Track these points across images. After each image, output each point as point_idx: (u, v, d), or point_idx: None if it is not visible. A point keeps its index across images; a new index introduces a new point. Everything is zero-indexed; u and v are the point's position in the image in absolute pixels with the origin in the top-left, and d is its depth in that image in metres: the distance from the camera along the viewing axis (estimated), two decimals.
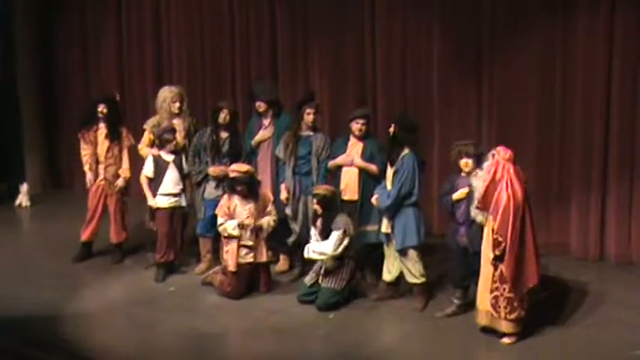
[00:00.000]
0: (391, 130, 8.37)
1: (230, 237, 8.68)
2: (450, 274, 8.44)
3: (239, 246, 8.72)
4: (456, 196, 8.02)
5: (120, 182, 9.60)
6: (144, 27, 12.23)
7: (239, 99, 11.53)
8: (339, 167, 8.91)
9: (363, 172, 8.80)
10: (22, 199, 12.29)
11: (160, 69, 12.21)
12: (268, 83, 10.59)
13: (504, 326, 7.57)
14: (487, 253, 7.52)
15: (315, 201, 8.54)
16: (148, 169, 9.18)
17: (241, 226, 8.66)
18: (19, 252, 10.35)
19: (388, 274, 8.56)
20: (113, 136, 9.55)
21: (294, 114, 9.23)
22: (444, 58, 10.27)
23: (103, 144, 9.58)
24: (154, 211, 9.25)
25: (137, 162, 9.67)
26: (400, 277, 8.52)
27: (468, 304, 8.10)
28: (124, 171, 9.59)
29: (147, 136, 9.49)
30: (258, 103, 9.42)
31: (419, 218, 8.30)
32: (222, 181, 9.09)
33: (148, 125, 9.53)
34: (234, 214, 8.71)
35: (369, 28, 10.65)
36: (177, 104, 9.44)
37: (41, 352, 7.71)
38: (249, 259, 8.76)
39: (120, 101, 10.04)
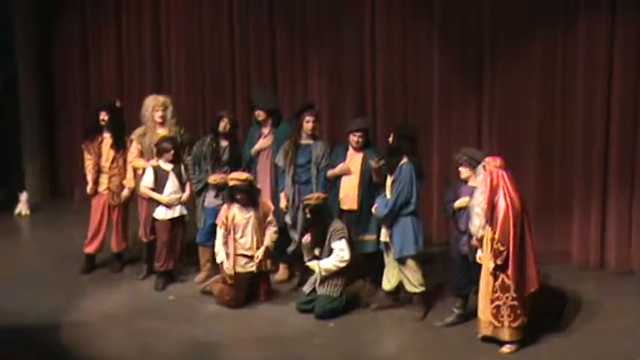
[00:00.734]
0: (390, 139, 8.39)
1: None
2: (450, 283, 8.43)
3: (237, 255, 8.71)
4: (457, 204, 8.01)
5: (125, 193, 9.59)
6: (143, 35, 12.23)
7: (238, 107, 11.53)
8: (339, 176, 8.92)
9: (362, 182, 8.80)
10: (22, 207, 12.27)
11: (159, 77, 12.20)
12: (268, 92, 10.60)
13: (508, 334, 7.55)
14: (487, 263, 7.52)
15: (306, 210, 8.54)
16: (147, 180, 9.16)
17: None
18: (18, 261, 10.32)
19: (387, 283, 8.55)
20: (118, 146, 9.54)
21: (294, 122, 9.24)
22: (445, 66, 10.27)
23: (107, 154, 9.56)
24: (153, 220, 9.24)
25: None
26: (399, 286, 8.51)
27: (468, 314, 8.09)
28: (129, 181, 9.57)
29: (135, 147, 9.47)
30: (257, 112, 9.43)
31: (417, 227, 8.30)
32: (222, 189, 9.08)
33: (135, 135, 9.50)
34: (233, 224, 8.70)
35: (369, 36, 10.65)
36: (160, 113, 9.40)
37: None
38: (249, 268, 8.75)
39: (121, 108, 10.03)
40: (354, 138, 8.82)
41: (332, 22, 10.87)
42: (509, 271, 7.39)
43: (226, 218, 8.72)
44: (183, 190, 9.26)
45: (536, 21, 9.68)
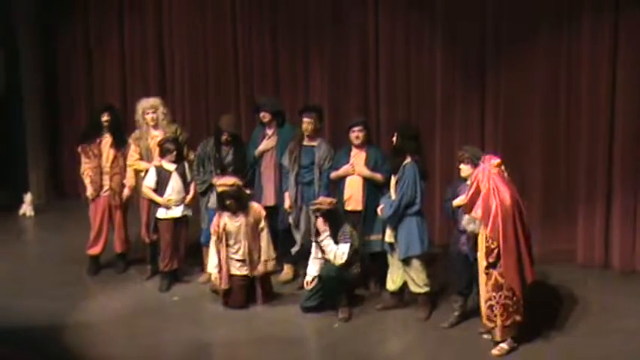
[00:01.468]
0: (393, 139, 8.38)
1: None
2: (451, 283, 8.41)
3: (229, 259, 8.70)
4: (456, 202, 8.02)
5: (126, 192, 9.60)
6: (146, 36, 12.24)
7: (242, 107, 11.55)
8: (342, 178, 8.91)
9: (367, 182, 8.80)
10: (26, 208, 12.29)
11: (162, 77, 12.21)
12: (272, 96, 10.62)
13: (499, 333, 7.54)
14: (482, 262, 7.52)
15: (318, 215, 8.51)
16: (149, 180, 9.17)
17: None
18: (22, 262, 10.35)
19: (392, 283, 8.55)
20: (119, 145, 9.55)
21: (298, 124, 9.24)
22: (448, 64, 10.26)
23: (108, 154, 9.57)
24: (156, 220, 9.25)
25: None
26: (404, 286, 8.51)
27: (469, 313, 8.08)
28: (129, 180, 9.59)
29: (134, 150, 9.48)
30: (262, 114, 9.44)
31: (422, 227, 8.30)
32: None
33: (132, 138, 9.53)
34: (224, 232, 8.68)
35: (372, 35, 10.65)
36: (151, 115, 9.42)
37: None
38: (244, 271, 8.74)
39: (119, 110, 10.04)
40: (353, 134, 8.82)
41: (334, 22, 10.87)
42: (503, 268, 7.38)
43: (217, 226, 8.71)
44: (187, 190, 9.26)
45: (540, 17, 9.67)
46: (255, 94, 11.10)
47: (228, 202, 8.64)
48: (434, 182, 10.08)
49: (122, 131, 9.66)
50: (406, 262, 8.31)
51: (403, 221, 8.25)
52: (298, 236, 9.15)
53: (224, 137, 9.20)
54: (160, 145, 9.18)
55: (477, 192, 7.44)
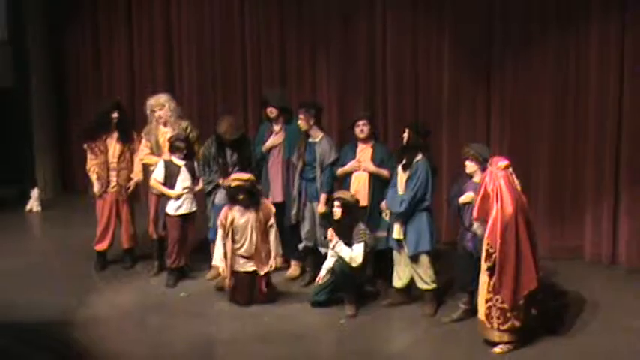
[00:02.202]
0: (405, 135, 8.38)
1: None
2: (457, 279, 8.41)
3: (234, 255, 8.71)
4: (462, 199, 8.03)
5: (131, 184, 9.62)
6: (154, 33, 12.26)
7: (249, 104, 11.56)
8: (349, 174, 8.92)
9: (372, 178, 8.82)
10: (33, 204, 12.31)
11: (170, 74, 12.23)
12: (280, 90, 10.60)
13: (497, 336, 7.54)
14: (483, 263, 7.52)
15: (337, 204, 8.49)
16: (158, 174, 9.18)
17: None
18: (29, 257, 10.33)
19: (399, 280, 8.56)
20: (125, 140, 9.57)
21: None
22: (455, 64, 10.27)
23: (114, 149, 9.58)
24: (164, 217, 9.26)
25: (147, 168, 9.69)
26: (411, 283, 8.52)
27: (475, 309, 8.06)
28: (137, 174, 9.60)
29: (145, 144, 9.51)
30: (269, 109, 9.43)
31: (431, 223, 8.33)
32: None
33: (143, 133, 9.56)
34: (232, 227, 8.68)
35: (380, 33, 10.65)
36: (158, 113, 9.43)
37: (53, 357, 7.74)
38: (248, 268, 8.74)
39: (128, 106, 10.05)
40: (358, 128, 8.84)
41: (342, 20, 10.87)
42: (496, 275, 7.38)
43: (225, 219, 8.71)
44: (194, 186, 9.27)
45: (547, 18, 9.67)
46: (263, 91, 11.08)
47: (241, 197, 8.63)
48: (440, 180, 10.04)
49: (129, 127, 9.66)
50: (415, 258, 8.32)
51: (413, 217, 8.27)
52: (303, 233, 9.16)
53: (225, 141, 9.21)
54: (170, 142, 9.19)
55: (485, 196, 7.43)
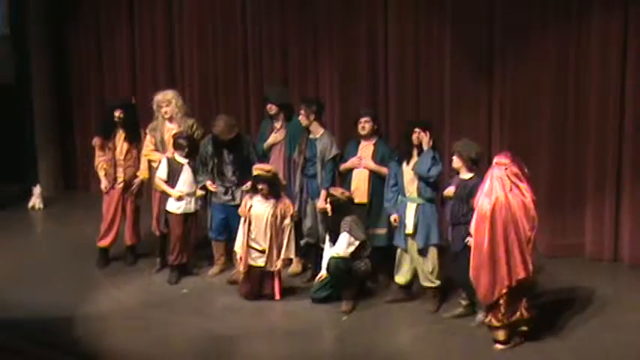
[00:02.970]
0: (420, 135, 8.35)
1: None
2: (454, 276, 8.36)
3: (249, 248, 8.73)
4: (445, 193, 8.13)
5: (136, 181, 9.63)
6: (156, 33, 12.24)
7: (251, 104, 11.56)
8: (350, 170, 8.94)
9: (373, 175, 8.84)
10: (35, 201, 12.31)
11: (172, 74, 12.21)
12: (280, 87, 10.60)
13: (492, 332, 7.56)
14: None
15: (328, 200, 8.55)
16: (161, 171, 9.20)
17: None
18: (32, 254, 10.36)
19: (401, 277, 8.57)
20: (131, 138, 9.58)
21: None
22: (456, 62, 10.26)
23: (122, 147, 9.59)
24: (166, 214, 9.28)
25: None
26: (413, 280, 8.53)
27: (475, 304, 8.09)
28: (142, 171, 9.62)
29: (150, 140, 9.52)
30: (269, 106, 9.46)
31: (438, 218, 8.36)
32: (231, 187, 9.15)
33: (149, 129, 9.57)
34: (250, 215, 8.71)
35: (381, 32, 10.65)
36: (164, 109, 9.44)
37: (55, 354, 7.77)
38: (260, 263, 8.77)
39: (137, 105, 10.05)
40: (360, 125, 8.87)
41: (344, 19, 10.86)
42: (472, 271, 7.42)
43: (245, 207, 8.73)
44: (197, 184, 9.28)
45: (549, 16, 9.66)
46: (265, 89, 11.08)
47: (260, 187, 8.65)
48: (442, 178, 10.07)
49: (136, 126, 9.66)
50: (424, 251, 8.34)
51: (424, 210, 8.29)
52: (305, 229, 9.18)
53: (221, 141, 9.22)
54: (174, 139, 9.21)
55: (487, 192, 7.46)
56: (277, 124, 9.49)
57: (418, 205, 8.34)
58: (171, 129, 9.43)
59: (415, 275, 8.50)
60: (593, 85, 9.52)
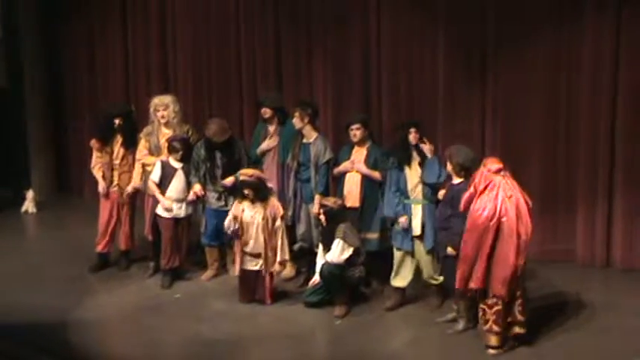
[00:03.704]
0: (416, 136, 8.43)
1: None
2: (445, 280, 8.35)
3: (243, 253, 8.73)
4: (438, 195, 8.19)
5: (129, 188, 9.61)
6: (150, 36, 12.23)
7: (245, 107, 11.55)
8: (343, 174, 8.95)
9: (365, 179, 8.85)
10: (28, 205, 12.30)
11: (166, 77, 12.20)
12: (275, 91, 10.62)
13: (486, 338, 7.56)
14: None
15: (321, 211, 8.57)
16: (155, 175, 9.20)
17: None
18: (25, 259, 10.34)
19: (402, 279, 8.58)
20: (128, 145, 9.57)
21: None
22: (449, 63, 10.25)
23: (118, 151, 9.59)
24: (157, 217, 9.27)
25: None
26: (410, 282, 8.56)
27: (459, 311, 8.08)
28: (136, 177, 9.59)
29: (144, 145, 9.51)
30: (263, 109, 9.48)
31: None
32: (225, 192, 9.14)
33: (143, 134, 9.55)
34: (242, 222, 8.71)
35: (374, 33, 10.64)
36: (161, 113, 9.43)
37: (49, 359, 7.74)
38: (253, 267, 8.75)
39: (136, 113, 10.04)
40: (351, 132, 8.88)
41: (337, 20, 10.86)
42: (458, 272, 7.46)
43: (236, 211, 8.72)
44: (189, 190, 9.26)
45: (541, 17, 9.67)
46: (258, 93, 11.09)
47: (246, 192, 8.65)
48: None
49: (134, 133, 9.64)
50: (432, 251, 8.36)
51: (429, 211, 8.32)
52: (299, 234, 9.18)
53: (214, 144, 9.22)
54: (169, 142, 9.21)
55: (473, 194, 7.47)
56: (271, 128, 9.50)
57: (424, 205, 8.37)
58: (166, 134, 9.43)
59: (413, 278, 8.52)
60: (585, 87, 9.53)
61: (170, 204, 9.15)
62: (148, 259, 9.70)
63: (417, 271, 8.54)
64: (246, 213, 8.71)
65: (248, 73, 11.56)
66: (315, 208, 8.90)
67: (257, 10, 11.39)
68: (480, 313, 7.54)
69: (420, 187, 8.39)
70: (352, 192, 8.87)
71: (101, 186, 9.65)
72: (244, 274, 8.76)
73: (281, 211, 8.79)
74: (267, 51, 11.37)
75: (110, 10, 12.51)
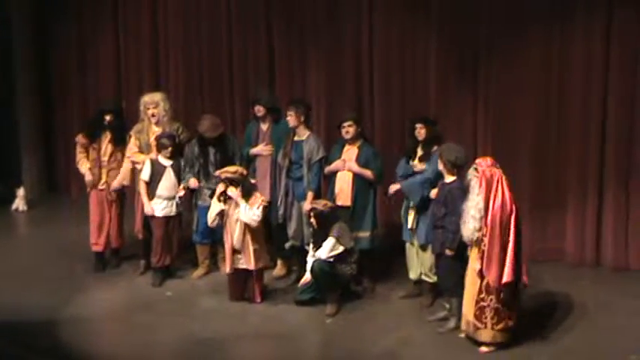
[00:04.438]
0: (423, 130, 8.44)
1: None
2: (439, 280, 8.34)
3: (234, 251, 8.72)
4: (431, 194, 8.20)
5: (114, 183, 9.56)
6: (141, 34, 12.23)
7: (236, 106, 11.55)
8: (335, 172, 8.95)
9: (356, 178, 8.85)
10: (19, 203, 12.29)
11: (157, 76, 12.19)
12: (269, 90, 10.63)
13: (490, 336, 7.54)
14: (474, 263, 7.54)
15: (311, 214, 8.58)
16: (145, 173, 9.19)
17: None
18: (15, 256, 10.33)
19: (413, 272, 8.67)
20: (117, 142, 9.54)
21: None
22: (441, 63, 10.28)
23: (106, 148, 9.56)
24: (148, 216, 9.26)
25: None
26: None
27: (452, 309, 8.09)
28: (123, 173, 9.53)
29: (133, 142, 9.49)
30: (257, 107, 9.46)
31: None
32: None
33: (134, 131, 9.53)
34: (227, 219, 8.70)
35: (367, 33, 10.66)
36: (151, 111, 9.41)
37: (40, 357, 7.72)
38: (241, 264, 8.76)
39: (127, 109, 10.02)
40: (343, 129, 8.89)
41: (330, 19, 10.87)
42: (484, 265, 7.40)
43: (222, 192, 8.67)
44: (179, 188, 9.25)
45: (532, 18, 9.70)
46: (250, 92, 11.08)
47: (228, 188, 8.65)
48: None
49: (124, 131, 9.61)
50: (425, 248, 8.38)
51: (424, 208, 8.32)
52: (290, 231, 9.18)
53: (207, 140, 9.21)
54: (157, 139, 9.19)
55: (489, 195, 7.46)
56: (264, 127, 9.49)
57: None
58: (157, 132, 9.41)
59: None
60: (576, 86, 9.56)
61: (153, 211, 9.13)
62: (138, 257, 9.68)
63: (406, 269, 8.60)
64: (231, 210, 8.68)
65: (240, 72, 11.56)
66: (306, 205, 8.89)
67: (249, 9, 11.40)
68: (476, 312, 7.53)
69: None
70: (343, 190, 8.87)
71: (87, 177, 9.56)
72: (234, 272, 8.74)
73: (259, 200, 8.68)
74: (259, 49, 11.38)
75: (102, 10, 12.50)
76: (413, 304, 8.62)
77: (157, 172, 9.17)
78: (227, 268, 8.76)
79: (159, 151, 9.20)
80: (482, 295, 7.50)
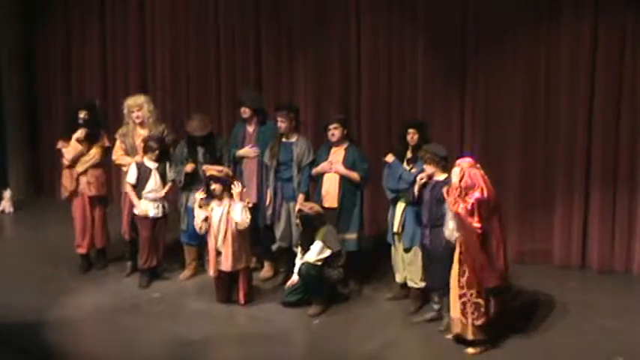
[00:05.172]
0: (415, 136, 8.44)
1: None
2: (427, 279, 8.35)
3: (218, 252, 8.71)
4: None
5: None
6: (128, 34, 12.20)
7: (223, 107, 11.54)
8: (321, 174, 8.95)
9: (343, 180, 8.85)
10: (5, 205, 12.25)
11: (144, 77, 12.16)
12: (255, 91, 10.61)
13: (471, 332, 7.57)
14: (457, 258, 7.57)
15: (298, 216, 8.61)
16: (131, 176, 9.17)
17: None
18: (2, 258, 10.29)
19: (399, 275, 8.64)
20: (91, 139, 9.49)
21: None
22: (429, 66, 10.30)
23: (82, 146, 9.49)
24: (135, 217, 9.24)
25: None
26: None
27: (447, 309, 8.10)
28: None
29: (119, 145, 9.47)
30: (243, 109, 9.45)
31: None
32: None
33: (119, 134, 9.52)
34: (210, 221, 8.69)
35: (354, 36, 10.67)
36: (135, 114, 9.39)
37: (25, 358, 7.69)
38: (224, 267, 8.72)
39: (101, 107, 9.97)
40: (329, 132, 8.90)
41: (317, 23, 10.88)
42: (469, 262, 7.42)
43: (202, 199, 8.67)
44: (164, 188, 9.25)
45: (519, 21, 9.72)
46: (238, 93, 11.06)
47: (213, 187, 8.63)
48: None
49: (98, 127, 9.55)
50: (409, 251, 8.37)
51: (411, 211, 8.31)
52: (278, 232, 9.17)
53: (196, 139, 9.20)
54: (145, 142, 9.18)
55: (461, 189, 7.47)
56: (250, 129, 9.48)
57: (407, 205, 8.37)
58: (141, 135, 9.38)
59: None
60: (563, 87, 9.58)
61: (146, 211, 9.12)
62: (124, 258, 9.66)
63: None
64: (215, 211, 8.67)
65: (227, 73, 11.55)
66: (297, 206, 8.88)
67: (236, 10, 11.39)
68: (461, 307, 7.55)
69: None
70: (330, 192, 8.87)
71: (68, 185, 9.52)
72: (220, 274, 8.73)
73: (247, 204, 8.71)
74: (246, 51, 11.37)
75: (89, 10, 12.45)
76: (399, 305, 8.63)
77: (143, 174, 9.15)
78: (211, 271, 8.75)
79: (145, 153, 9.18)
80: (463, 291, 7.52)
